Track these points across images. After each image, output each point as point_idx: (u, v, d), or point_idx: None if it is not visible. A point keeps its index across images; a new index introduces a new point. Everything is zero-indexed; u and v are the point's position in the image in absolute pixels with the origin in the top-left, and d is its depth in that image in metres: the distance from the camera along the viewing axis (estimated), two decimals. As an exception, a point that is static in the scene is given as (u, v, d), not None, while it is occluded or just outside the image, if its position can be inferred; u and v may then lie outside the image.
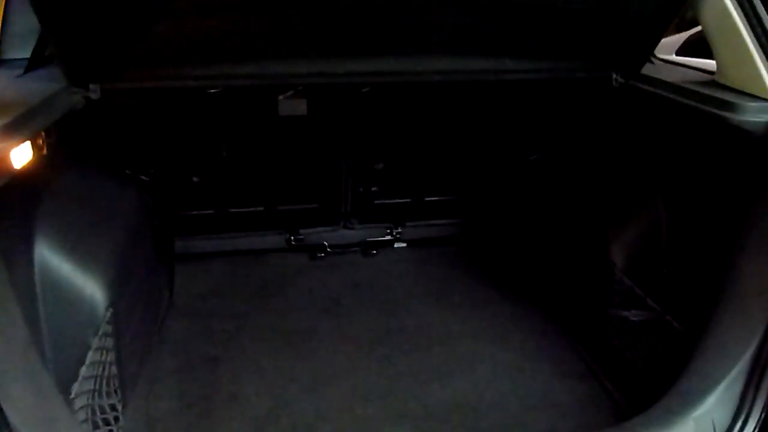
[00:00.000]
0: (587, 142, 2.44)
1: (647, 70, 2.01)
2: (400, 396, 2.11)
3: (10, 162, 1.37)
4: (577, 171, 2.52)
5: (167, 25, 1.61)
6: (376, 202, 2.87)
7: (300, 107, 2.40)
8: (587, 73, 1.99)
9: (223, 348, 2.35)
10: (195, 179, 2.57)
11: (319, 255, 2.93)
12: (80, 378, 1.65)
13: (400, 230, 3.03)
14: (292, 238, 2.91)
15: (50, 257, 1.72)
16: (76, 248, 1.79)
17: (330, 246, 2.95)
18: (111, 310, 1.83)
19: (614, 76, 2.00)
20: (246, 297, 2.69)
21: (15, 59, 1.94)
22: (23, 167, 1.47)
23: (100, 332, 1.76)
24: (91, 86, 1.69)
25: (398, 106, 2.47)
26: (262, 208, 2.78)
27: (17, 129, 1.37)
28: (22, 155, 1.44)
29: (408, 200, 2.91)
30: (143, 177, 2.49)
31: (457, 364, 2.28)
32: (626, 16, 1.80)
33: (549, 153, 2.67)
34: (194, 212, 2.73)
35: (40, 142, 1.53)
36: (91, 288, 1.82)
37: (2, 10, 2.01)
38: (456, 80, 1.99)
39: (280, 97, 2.32)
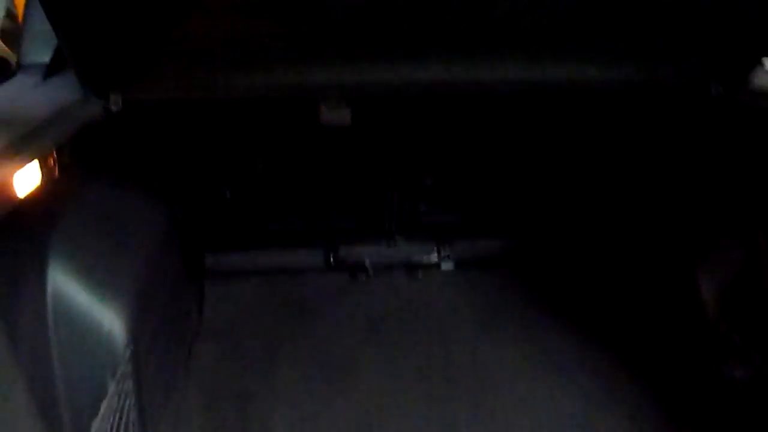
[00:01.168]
0: (670, 159, 2.13)
1: (754, 80, 1.71)
2: (452, 448, 1.86)
3: (13, 188, 1.17)
4: (657, 192, 2.21)
5: (197, 26, 1.39)
6: (422, 219, 2.62)
7: (343, 117, 2.16)
8: (680, 82, 1.70)
9: (255, 381, 2.14)
10: (228, 193, 2.37)
11: (360, 275, 2.70)
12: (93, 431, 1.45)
13: (447, 249, 2.76)
14: (332, 256, 2.68)
15: (64, 288, 1.52)
16: (93, 276, 1.60)
17: (372, 265, 2.71)
18: (131, 347, 1.63)
19: (713, 86, 1.70)
20: (281, 321, 2.48)
21: (35, 64, 1.76)
22: (32, 191, 1.27)
23: (118, 374, 1.56)
24: (112, 96, 1.49)
25: (451, 115, 2.21)
26: (299, 225, 2.56)
27: (22, 149, 1.17)
28: (29, 178, 1.25)
29: (457, 218, 2.65)
30: (171, 190, 2.29)
31: (514, 411, 2.02)
32: (737, 14, 1.51)
33: (620, 170, 2.37)
34: (226, 227, 2.53)
35: (51, 161, 1.33)
36: (109, 322, 1.62)
37: (22, 9, 1.84)
38: (527, 91, 1.71)
39: (322, 106, 2.09)
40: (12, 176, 1.14)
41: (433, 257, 2.77)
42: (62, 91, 1.52)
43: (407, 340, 2.39)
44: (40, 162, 1.26)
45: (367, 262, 2.71)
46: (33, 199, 1.29)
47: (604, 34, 1.53)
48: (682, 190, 2.07)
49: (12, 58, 2.04)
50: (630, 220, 2.32)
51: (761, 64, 1.75)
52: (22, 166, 1.16)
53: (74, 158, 1.53)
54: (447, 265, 2.81)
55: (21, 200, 1.23)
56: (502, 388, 2.13)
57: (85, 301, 1.57)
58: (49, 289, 1.46)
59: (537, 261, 2.79)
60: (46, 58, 1.69)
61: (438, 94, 1.96)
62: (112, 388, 1.52)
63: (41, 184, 1.30)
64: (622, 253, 2.39)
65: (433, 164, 2.40)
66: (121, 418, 1.56)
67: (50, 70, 1.65)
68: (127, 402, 1.59)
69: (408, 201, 2.53)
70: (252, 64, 1.51)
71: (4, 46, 2.92)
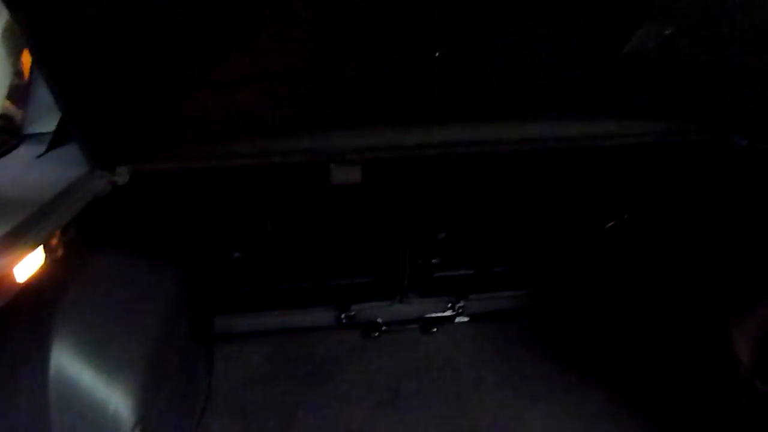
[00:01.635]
0: (697, 213, 2.06)
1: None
2: None
3: (14, 277, 1.11)
4: (685, 247, 2.14)
5: (206, 96, 1.35)
6: (436, 274, 2.54)
7: (354, 174, 2.12)
8: (703, 135, 1.65)
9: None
10: (236, 255, 2.30)
11: (373, 334, 2.61)
12: None
13: (462, 304, 2.68)
14: (343, 315, 2.60)
15: (68, 368, 1.45)
16: (99, 355, 1.52)
17: (385, 323, 2.62)
18: (139, 427, 1.54)
19: (736, 138, 1.65)
20: (293, 385, 2.38)
21: (39, 133, 1.72)
22: (34, 274, 1.21)
23: None
24: (119, 169, 1.44)
25: (463, 169, 2.16)
26: (310, 284, 2.49)
27: (25, 236, 1.11)
28: (32, 262, 1.19)
29: (471, 271, 2.57)
30: (179, 254, 2.23)
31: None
32: (756, 71, 1.46)
33: (640, 220, 2.30)
34: (235, 289, 2.46)
35: (55, 243, 1.27)
36: (116, 402, 1.54)
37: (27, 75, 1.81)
38: (548, 148, 1.66)
39: (332, 165, 2.04)
40: (14, 265, 1.07)
41: (447, 312, 2.68)
42: (66, 165, 1.47)
43: (426, 403, 2.28)
44: (44, 246, 1.20)
45: (380, 320, 2.63)
46: (35, 282, 1.23)
47: (628, 89, 1.48)
48: (711, 244, 2.00)
49: (18, 115, 2.01)
50: (653, 275, 2.23)
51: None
52: (26, 255, 1.09)
53: (79, 233, 1.47)
54: (461, 319, 2.72)
55: (23, 285, 1.17)
56: (530, 454, 2.02)
57: (90, 383, 1.49)
58: (52, 373, 1.39)
59: (553, 313, 2.70)
60: (50, 127, 1.65)
61: (452, 153, 1.91)
62: (118, 477, 1.43)
63: (44, 265, 1.24)
64: (643, 308, 2.30)
65: (446, 218, 2.34)
66: None
67: (54, 142, 1.60)
68: (134, 492, 1.49)
69: (421, 256, 2.46)
70: (262, 131, 1.47)
71: (11, 106, 2.90)
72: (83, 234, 1.54)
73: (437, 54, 1.29)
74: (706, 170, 1.92)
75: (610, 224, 2.44)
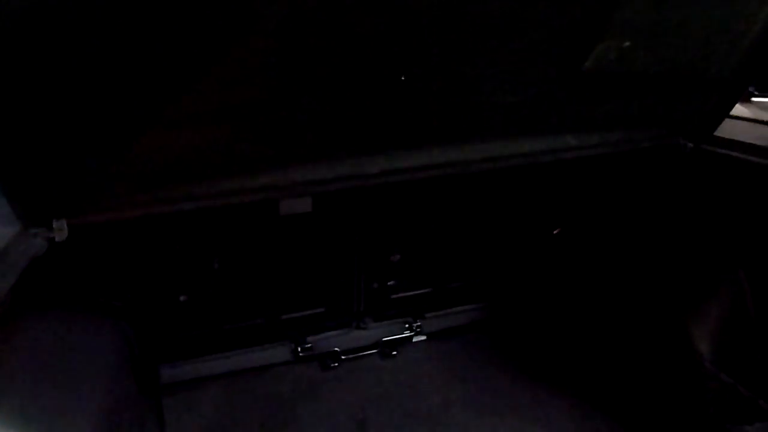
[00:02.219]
0: (647, 215, 2.12)
1: (719, 129, 1.73)
2: None
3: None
4: (630, 245, 2.19)
5: (154, 136, 1.22)
6: (392, 296, 2.48)
7: (304, 204, 2.02)
8: (653, 142, 1.69)
9: None
10: (182, 298, 2.13)
11: (332, 364, 2.50)
12: None
13: (419, 323, 2.63)
14: (300, 348, 2.47)
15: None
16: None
17: (343, 352, 2.53)
18: None
19: (683, 142, 1.71)
20: (254, 430, 2.23)
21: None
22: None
23: None
24: (55, 223, 1.27)
25: (416, 189, 2.12)
26: (262, 320, 2.35)
27: None
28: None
29: (427, 290, 2.53)
30: (118, 304, 2.04)
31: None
32: (703, 78, 1.52)
33: (592, 230, 2.34)
34: (181, 334, 2.28)
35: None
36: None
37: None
38: (507, 166, 1.64)
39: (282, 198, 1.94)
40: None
41: (405, 333, 2.62)
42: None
43: (395, 431, 2.21)
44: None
45: (338, 349, 2.53)
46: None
47: (585, 104, 1.49)
48: (662, 245, 2.06)
49: None
50: (607, 280, 2.28)
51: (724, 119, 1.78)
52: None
53: (9, 300, 1.29)
54: (419, 338, 2.67)
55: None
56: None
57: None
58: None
59: (511, 325, 2.71)
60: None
61: (415, 178, 1.85)
62: None
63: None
64: (600, 313, 2.34)
65: (400, 239, 2.29)
66: None
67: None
68: None
69: (376, 280, 2.39)
70: (217, 170, 1.35)
71: None
72: (13, 301, 1.36)
73: (403, 78, 1.24)
74: (655, 174, 1.98)
75: (556, 231, 2.48)
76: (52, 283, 1.75)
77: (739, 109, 1.87)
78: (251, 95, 1.18)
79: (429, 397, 2.37)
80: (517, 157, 1.56)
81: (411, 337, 2.64)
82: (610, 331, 2.29)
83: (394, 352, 2.59)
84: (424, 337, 2.67)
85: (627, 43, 1.33)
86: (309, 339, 2.50)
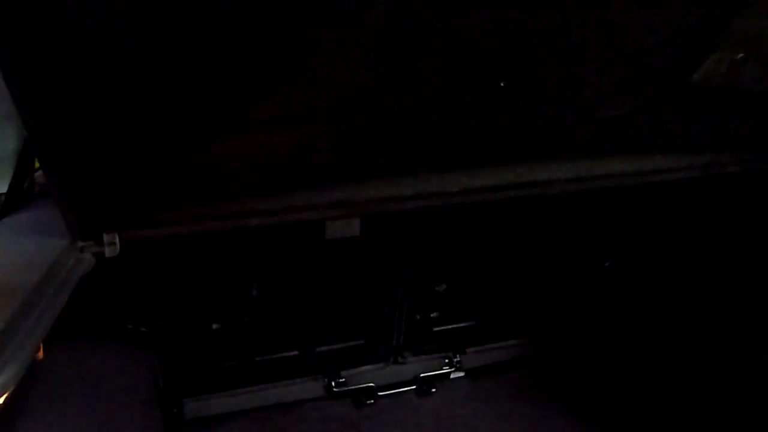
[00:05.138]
0: (707, 242, 1.98)
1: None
2: None
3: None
4: (688, 278, 2.05)
5: (224, 143, 1.08)
6: (434, 329, 2.32)
7: (351, 228, 1.88)
8: (742, 166, 1.57)
9: None
10: (215, 326, 1.97)
11: (367, 401, 2.32)
12: None
13: (459, 358, 2.46)
14: (333, 383, 2.30)
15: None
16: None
17: (379, 388, 2.35)
18: None
19: (773, 167, 1.58)
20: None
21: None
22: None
23: None
24: (106, 237, 1.13)
25: (468, 214, 1.99)
26: (297, 352, 2.18)
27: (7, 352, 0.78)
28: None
29: (471, 323, 2.38)
30: (144, 330, 1.87)
31: None
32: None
33: (639, 258, 2.20)
34: (210, 365, 2.11)
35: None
36: None
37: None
38: (589, 188, 1.50)
39: (328, 219, 1.80)
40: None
41: (445, 368, 2.45)
42: (30, 237, 1.14)
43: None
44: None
45: (373, 385, 2.35)
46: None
47: (678, 122, 1.37)
48: (727, 271, 1.91)
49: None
50: (660, 314, 2.13)
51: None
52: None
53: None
54: (457, 374, 2.49)
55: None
56: None
57: None
58: None
59: (553, 362, 2.54)
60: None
61: (499, 198, 1.70)
62: None
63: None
64: (651, 349, 2.19)
65: (448, 269, 2.14)
66: None
67: (7, 205, 1.26)
68: None
69: (419, 312, 2.23)
70: (287, 184, 1.21)
71: None
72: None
73: (502, 84, 1.11)
74: (736, 201, 1.84)
75: (608, 263, 2.34)
76: (82, 305, 1.60)
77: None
78: (339, 98, 1.05)
79: (472, 439, 2.20)
80: (604, 178, 1.43)
81: (450, 372, 2.47)
82: (662, 368, 2.13)
83: (433, 389, 2.41)
84: (463, 374, 2.50)
85: (740, 55, 1.22)
86: (343, 373, 2.32)
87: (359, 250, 1.94)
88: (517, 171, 1.34)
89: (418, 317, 2.25)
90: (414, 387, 2.40)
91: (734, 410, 1.87)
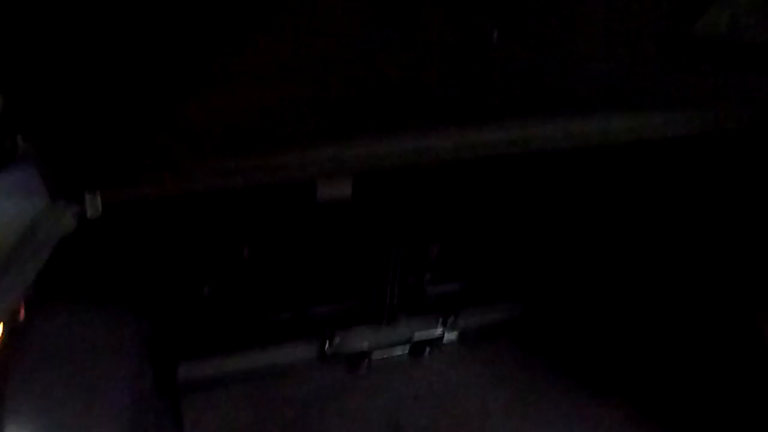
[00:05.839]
0: (705, 202, 1.96)
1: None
2: None
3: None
4: (692, 238, 2.03)
5: (207, 97, 1.04)
6: (427, 290, 2.32)
7: (343, 190, 1.85)
8: (743, 123, 1.53)
9: None
10: (206, 290, 1.96)
11: (360, 363, 2.33)
12: None
13: (453, 320, 2.46)
14: (326, 346, 2.30)
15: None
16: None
17: (372, 350, 2.35)
18: None
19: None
20: (280, 433, 2.06)
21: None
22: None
23: None
24: (88, 197, 1.09)
25: (464, 173, 1.95)
26: (289, 314, 2.18)
27: None
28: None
29: (465, 285, 2.37)
30: (137, 295, 1.86)
31: None
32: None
33: (645, 223, 2.18)
34: (202, 329, 2.10)
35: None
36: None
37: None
38: (585, 146, 1.47)
39: (319, 180, 1.76)
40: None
41: (439, 329, 2.46)
42: (12, 199, 1.10)
43: (433, 437, 2.05)
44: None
45: (367, 346, 2.35)
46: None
47: (679, 78, 1.33)
48: (729, 235, 1.90)
49: None
50: (661, 275, 2.13)
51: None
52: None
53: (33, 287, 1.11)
54: (451, 336, 2.50)
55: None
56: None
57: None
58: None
59: (551, 323, 2.54)
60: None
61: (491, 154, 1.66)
62: None
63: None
64: (652, 308, 2.19)
65: (440, 229, 2.12)
66: None
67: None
68: None
69: (412, 272, 2.22)
70: (278, 141, 1.17)
71: None
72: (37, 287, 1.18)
73: (495, 32, 1.07)
74: (734, 161, 1.81)
75: (603, 223, 2.31)
76: (69, 269, 1.57)
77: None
78: (325, 49, 1.01)
79: (466, 400, 2.21)
80: (600, 134, 1.40)
81: (444, 334, 2.47)
82: (663, 328, 2.13)
83: (427, 352, 2.42)
84: (456, 336, 2.50)
85: (743, 7, 1.18)
86: (337, 336, 2.32)
87: (351, 211, 1.92)
88: (511, 127, 1.31)
89: (411, 279, 2.24)
90: (407, 350, 2.41)
91: (732, 373, 1.87)
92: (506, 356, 2.43)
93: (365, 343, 2.35)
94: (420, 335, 2.42)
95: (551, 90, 1.26)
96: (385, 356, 2.37)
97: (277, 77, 1.02)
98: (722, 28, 1.21)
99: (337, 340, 2.32)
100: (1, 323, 0.83)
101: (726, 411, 1.88)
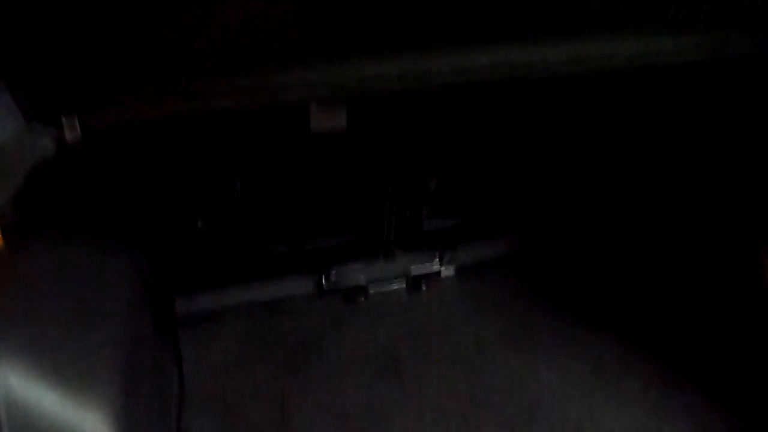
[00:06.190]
0: (710, 133, 1.90)
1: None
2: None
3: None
4: (694, 170, 1.99)
5: (188, 14, 0.98)
6: (425, 224, 2.29)
7: (338, 120, 1.79)
8: (755, 48, 1.46)
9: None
10: (199, 223, 1.93)
11: (357, 297, 2.33)
12: None
13: (450, 254, 2.45)
14: (324, 279, 2.30)
15: (23, 394, 1.10)
16: (60, 372, 1.17)
17: (370, 284, 2.36)
18: None
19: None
20: (278, 366, 2.08)
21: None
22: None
23: None
24: (65, 120, 1.04)
25: (461, 103, 1.88)
26: (285, 249, 2.16)
27: None
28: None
29: (462, 219, 2.34)
30: (130, 229, 1.83)
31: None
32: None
33: (644, 155, 2.12)
34: (198, 263, 2.09)
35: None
36: (90, 426, 1.20)
37: None
38: (588, 71, 1.40)
39: (312, 111, 1.70)
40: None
41: (436, 264, 2.45)
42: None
43: (430, 369, 2.07)
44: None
45: (364, 281, 2.35)
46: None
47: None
48: (731, 166, 1.85)
49: None
50: (659, 207, 2.09)
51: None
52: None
53: (17, 212, 1.07)
54: (448, 272, 2.50)
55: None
56: (556, 415, 1.87)
57: (52, 408, 1.14)
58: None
59: (546, 258, 2.53)
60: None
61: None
62: None
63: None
64: (648, 242, 2.17)
65: (439, 163, 2.07)
66: None
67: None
68: None
69: (409, 208, 2.19)
70: (259, 61, 1.11)
71: None
72: (18, 213, 1.14)
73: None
74: (734, 87, 1.74)
75: (603, 161, 2.26)
76: (56, 202, 1.54)
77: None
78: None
79: (462, 332, 2.22)
80: (604, 59, 1.33)
81: (441, 269, 2.47)
82: (659, 263, 2.12)
83: (423, 286, 2.42)
84: (454, 271, 2.50)
85: None
86: (333, 270, 2.32)
87: (347, 144, 1.86)
88: (510, 50, 1.24)
89: (409, 214, 2.21)
90: (404, 284, 2.41)
91: (731, 308, 1.87)
92: (504, 290, 2.43)
93: (362, 277, 2.35)
94: (417, 270, 2.42)
95: (552, 12, 1.18)
96: (382, 290, 2.38)
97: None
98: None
99: (334, 274, 2.32)
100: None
101: (725, 346, 1.89)
